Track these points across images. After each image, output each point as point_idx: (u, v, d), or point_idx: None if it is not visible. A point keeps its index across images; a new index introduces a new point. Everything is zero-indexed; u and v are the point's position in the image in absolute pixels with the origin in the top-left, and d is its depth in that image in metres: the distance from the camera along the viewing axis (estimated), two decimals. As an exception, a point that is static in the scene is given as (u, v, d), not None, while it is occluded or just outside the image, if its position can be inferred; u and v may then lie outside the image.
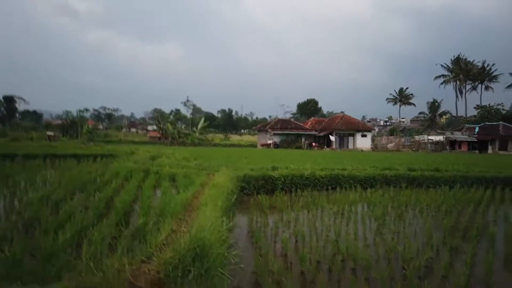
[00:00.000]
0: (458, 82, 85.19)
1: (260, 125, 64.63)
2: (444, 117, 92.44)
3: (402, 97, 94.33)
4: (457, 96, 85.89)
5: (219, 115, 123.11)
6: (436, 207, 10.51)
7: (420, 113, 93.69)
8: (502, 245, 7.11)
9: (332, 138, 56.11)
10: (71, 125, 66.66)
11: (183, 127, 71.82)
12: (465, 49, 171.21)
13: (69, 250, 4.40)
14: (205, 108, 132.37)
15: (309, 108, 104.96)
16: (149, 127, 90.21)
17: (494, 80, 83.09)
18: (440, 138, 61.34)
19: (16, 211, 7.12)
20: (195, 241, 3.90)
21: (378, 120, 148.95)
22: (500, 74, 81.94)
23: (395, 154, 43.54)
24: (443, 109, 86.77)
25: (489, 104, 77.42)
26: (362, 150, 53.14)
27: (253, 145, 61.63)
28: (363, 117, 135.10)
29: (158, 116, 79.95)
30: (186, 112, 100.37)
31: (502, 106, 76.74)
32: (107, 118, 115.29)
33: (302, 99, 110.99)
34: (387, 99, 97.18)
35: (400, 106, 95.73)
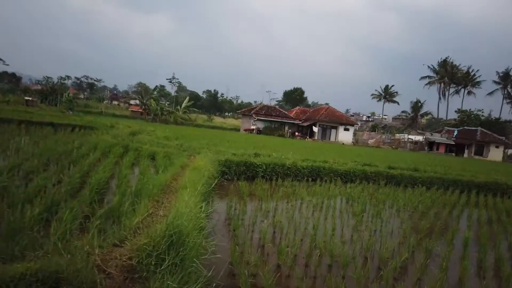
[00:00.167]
0: (442, 84, 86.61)
1: (244, 110, 64.12)
2: (425, 117, 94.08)
3: (387, 94, 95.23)
4: (440, 98, 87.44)
5: (204, 96, 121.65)
6: (413, 207, 10.62)
7: (403, 111, 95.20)
8: (475, 250, 7.22)
9: (315, 129, 56.29)
10: (51, 92, 64.31)
11: (166, 104, 70.49)
12: (453, 52, 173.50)
13: (36, 227, 4.14)
14: (191, 87, 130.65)
15: (295, 96, 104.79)
16: (132, 101, 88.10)
17: (477, 86, 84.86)
18: (419, 138, 62.45)
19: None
20: (171, 228, 3.72)
21: (361, 115, 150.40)
22: (483, 80, 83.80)
23: (375, 150, 44.11)
24: (425, 109, 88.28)
25: (470, 109, 79.16)
26: (343, 144, 53.60)
27: (236, 129, 61.21)
28: (347, 111, 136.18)
29: (142, 90, 78.27)
30: (171, 89, 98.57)
31: (482, 112, 78.63)
32: (89, 88, 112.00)
33: (289, 87, 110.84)
34: (372, 94, 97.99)
35: (384, 103, 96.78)
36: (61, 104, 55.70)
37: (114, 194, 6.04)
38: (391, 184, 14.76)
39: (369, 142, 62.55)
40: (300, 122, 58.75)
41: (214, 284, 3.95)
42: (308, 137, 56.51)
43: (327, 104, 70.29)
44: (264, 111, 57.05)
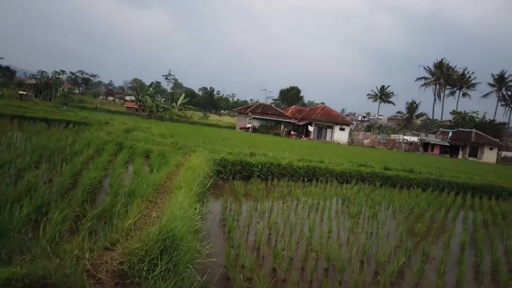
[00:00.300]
0: (438, 86, 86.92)
1: (240, 108, 63.95)
2: (420, 118, 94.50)
3: (383, 95, 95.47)
4: (435, 100, 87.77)
5: (200, 93, 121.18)
6: (409, 209, 10.57)
7: (398, 112, 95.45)
8: (471, 254, 7.18)
9: (311, 128, 56.27)
10: (45, 86, 63.68)
11: (162, 101, 70.16)
12: (448, 54, 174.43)
13: (24, 228, 4.00)
14: (187, 84, 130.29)
15: (291, 95, 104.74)
16: (127, 97, 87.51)
17: (472, 88, 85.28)
18: (414, 139, 62.67)
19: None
20: (165, 231, 3.60)
21: (357, 115, 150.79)
22: (478, 83, 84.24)
23: (370, 150, 44.18)
24: (421, 110, 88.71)
25: (465, 111, 79.60)
26: (339, 143, 53.65)
27: (232, 127, 61.03)
28: (342, 110, 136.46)
29: (137, 86, 77.71)
30: (167, 86, 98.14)
31: (477, 114, 79.09)
32: (84, 83, 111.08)
33: (284, 86, 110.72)
34: (367, 95, 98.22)
35: (379, 103, 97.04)
36: (56, 99, 55.20)
37: (107, 194, 5.90)
38: (387, 185, 14.72)
39: (364, 142, 62.66)
40: (296, 121, 58.71)
41: (208, 289, 3.84)
42: (303, 136, 56.49)
43: (323, 103, 70.33)
44: (260, 109, 56.92)
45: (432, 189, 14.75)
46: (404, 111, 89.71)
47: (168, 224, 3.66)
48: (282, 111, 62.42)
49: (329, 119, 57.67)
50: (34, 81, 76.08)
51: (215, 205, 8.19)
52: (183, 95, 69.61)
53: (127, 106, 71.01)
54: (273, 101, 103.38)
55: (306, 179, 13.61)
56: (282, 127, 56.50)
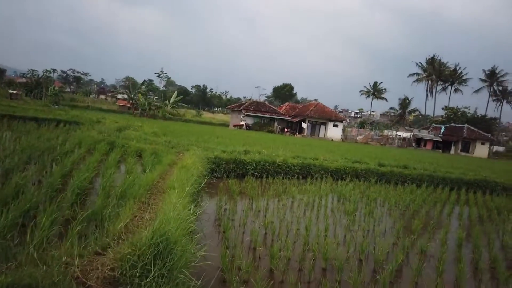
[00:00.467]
0: (430, 81, 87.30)
1: (234, 105, 63.70)
2: (412, 114, 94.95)
3: (376, 91, 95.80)
4: (427, 96, 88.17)
5: (193, 91, 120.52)
6: (405, 205, 10.52)
7: (391, 108, 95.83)
8: (469, 251, 7.13)
9: (305, 125, 56.23)
10: (36, 85, 62.82)
11: (155, 99, 69.50)
12: (441, 51, 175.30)
13: (10, 234, 3.82)
14: (179, 82, 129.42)
15: (284, 92, 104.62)
16: (119, 96, 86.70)
17: (463, 84, 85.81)
18: (407, 134, 62.95)
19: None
20: (158, 235, 3.45)
21: (350, 112, 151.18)
22: (470, 78, 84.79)
23: (364, 146, 44.28)
24: (413, 106, 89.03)
25: (457, 106, 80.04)
26: (332, 140, 53.71)
27: (225, 124, 60.78)
28: (335, 107, 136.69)
29: (130, 85, 76.97)
30: (159, 84, 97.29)
31: (468, 109, 79.59)
32: (75, 81, 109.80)
33: (277, 83, 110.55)
34: (360, 91, 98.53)
35: (372, 100, 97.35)
36: (47, 97, 54.50)
37: (98, 196, 5.72)
38: (382, 181, 14.69)
39: (357, 139, 62.81)
40: (290, 118, 58.63)
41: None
42: (297, 133, 56.46)
43: (316, 100, 70.20)
44: (253, 106, 56.74)
45: (427, 185, 14.74)
46: (396, 107, 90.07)
47: (162, 228, 3.52)
48: (275, 108, 62.31)
49: (322, 115, 57.67)
50: (24, 80, 75.05)
51: (209, 205, 8.05)
52: (176, 93, 69.14)
53: (119, 105, 70.36)
54: (266, 98, 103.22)
55: (301, 177, 13.51)
56: (275, 124, 56.40)
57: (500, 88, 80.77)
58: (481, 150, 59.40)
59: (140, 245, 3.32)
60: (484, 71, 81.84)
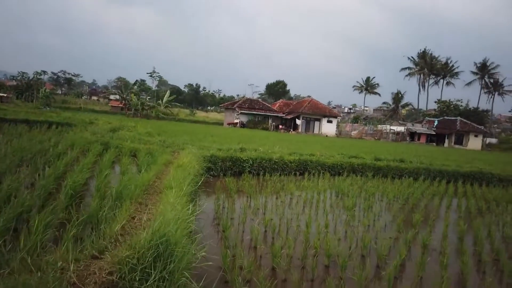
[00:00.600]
0: (422, 75, 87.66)
1: (227, 103, 63.48)
2: (405, 108, 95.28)
3: (368, 86, 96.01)
4: (420, 89, 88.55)
5: (186, 90, 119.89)
6: (403, 199, 10.45)
7: (384, 103, 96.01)
8: (471, 243, 7.08)
9: (299, 122, 56.18)
10: (26, 88, 62.02)
11: (147, 99, 68.99)
12: (433, 45, 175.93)
13: (2, 240, 3.66)
14: (172, 81, 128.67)
15: (277, 89, 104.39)
16: (112, 96, 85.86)
17: (455, 77, 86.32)
18: (401, 129, 63.18)
19: None
20: (157, 237, 3.31)
21: (343, 107, 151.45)
22: (461, 71, 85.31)
23: (359, 141, 44.35)
24: (406, 101, 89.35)
25: (449, 99, 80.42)
26: (327, 136, 53.75)
27: (219, 123, 60.56)
28: (329, 103, 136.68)
29: (122, 85, 76.42)
30: (152, 83, 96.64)
31: (461, 102, 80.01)
32: (67, 83, 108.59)
33: (270, 80, 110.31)
34: (353, 86, 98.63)
35: (365, 95, 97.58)
36: (38, 100, 53.91)
37: (93, 197, 5.56)
38: (379, 176, 14.64)
39: (352, 134, 62.95)
40: (284, 115, 58.54)
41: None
42: (292, 130, 56.40)
43: (309, 96, 70.19)
44: (247, 104, 56.55)
45: (424, 178, 14.74)
46: (389, 101, 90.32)
47: (161, 229, 3.38)
48: (269, 105, 62.15)
49: (316, 112, 57.66)
50: (14, 83, 74.04)
51: (207, 203, 7.91)
52: (169, 92, 68.84)
53: (111, 106, 69.80)
54: (259, 95, 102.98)
55: (298, 173, 13.43)
56: (270, 121, 56.28)
57: (492, 80, 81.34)
58: (474, 143, 59.80)
59: (139, 248, 3.18)
60: (475, 64, 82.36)
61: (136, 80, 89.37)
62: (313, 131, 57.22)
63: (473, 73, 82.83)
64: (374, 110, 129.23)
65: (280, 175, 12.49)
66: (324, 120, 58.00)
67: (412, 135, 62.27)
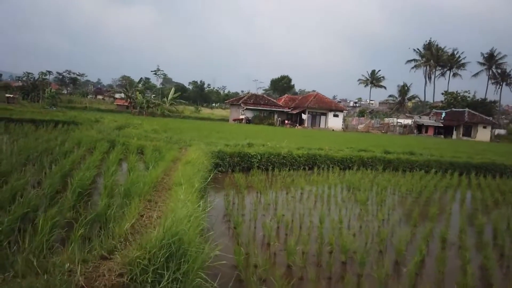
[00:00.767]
0: (428, 67, 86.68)
1: (232, 99, 63.23)
2: (412, 101, 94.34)
3: (374, 79, 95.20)
4: (426, 82, 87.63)
5: (190, 87, 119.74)
6: (417, 192, 10.20)
7: (390, 96, 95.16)
8: (491, 237, 6.83)
9: (305, 116, 55.80)
10: (32, 88, 62.27)
11: (152, 96, 68.98)
12: (438, 36, 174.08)
13: (7, 241, 3.50)
14: (176, 79, 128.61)
15: (282, 84, 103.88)
16: (117, 95, 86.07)
17: (462, 68, 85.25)
18: (408, 121, 62.56)
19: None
20: (169, 235, 3.13)
21: (348, 101, 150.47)
22: (468, 62, 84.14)
23: (366, 135, 43.95)
24: (412, 93, 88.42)
25: (456, 91, 79.44)
26: (333, 130, 53.36)
27: (225, 119, 60.37)
28: (334, 97, 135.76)
29: (127, 83, 76.51)
30: (156, 81, 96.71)
31: (468, 93, 78.99)
32: (72, 82, 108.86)
33: (275, 75, 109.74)
34: (358, 80, 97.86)
35: (371, 88, 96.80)
36: (44, 100, 54.05)
37: (101, 195, 5.40)
38: (389, 169, 14.39)
39: (358, 128, 62.47)
40: (289, 110, 58.18)
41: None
42: (297, 124, 56.07)
43: (314, 91, 69.68)
44: (252, 100, 56.28)
45: (435, 170, 14.43)
46: (395, 94, 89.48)
47: (173, 227, 3.20)
48: (274, 100, 61.82)
49: (322, 106, 57.23)
50: (20, 84, 74.33)
51: (216, 200, 7.74)
52: (173, 89, 68.65)
53: (117, 104, 69.92)
54: (264, 91, 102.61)
55: (307, 168, 13.22)
56: (275, 116, 55.98)
57: (499, 70, 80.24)
58: (483, 134, 59.05)
59: (150, 247, 3.00)
60: (482, 54, 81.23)
61: (141, 78, 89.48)
62: (319, 126, 56.84)
63: (480, 63, 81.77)
64: (379, 103, 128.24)
65: (289, 170, 12.29)
66: (330, 115, 57.56)
67: (420, 128, 61.64)
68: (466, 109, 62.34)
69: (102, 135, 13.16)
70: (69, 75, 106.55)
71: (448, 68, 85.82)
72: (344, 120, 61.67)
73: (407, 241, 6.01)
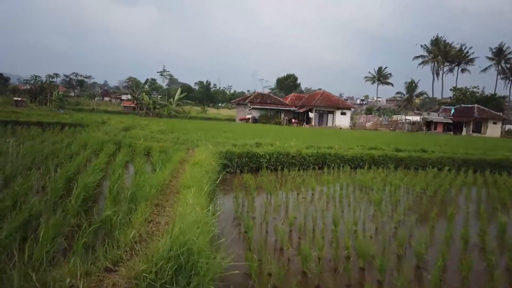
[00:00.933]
0: (436, 63, 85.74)
1: (239, 99, 62.98)
2: (420, 97, 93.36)
3: (381, 76, 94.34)
4: (434, 78, 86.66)
5: (196, 87, 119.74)
6: (432, 191, 9.86)
7: (397, 93, 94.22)
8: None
9: (312, 115, 55.37)
10: (40, 91, 62.59)
11: (159, 97, 68.98)
12: (445, 32, 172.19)
13: (6, 253, 3.30)
14: (182, 79, 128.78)
15: (288, 83, 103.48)
16: (124, 97, 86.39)
17: (470, 63, 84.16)
18: (417, 118, 61.81)
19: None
20: (177, 246, 2.90)
21: (355, 99, 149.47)
22: (477, 57, 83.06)
23: (374, 133, 43.44)
24: (420, 90, 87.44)
25: (465, 86, 78.39)
26: (341, 128, 52.90)
27: (231, 119, 60.17)
28: (340, 95, 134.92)
29: (133, 85, 76.67)
30: (162, 82, 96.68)
31: (477, 89, 77.91)
32: (79, 85, 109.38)
33: (280, 74, 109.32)
34: (365, 77, 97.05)
35: (378, 85, 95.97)
36: (51, 103, 54.25)
37: (106, 200, 5.19)
38: (401, 167, 14.05)
39: (366, 125, 61.88)
40: (296, 109, 57.80)
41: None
42: (305, 123, 55.68)
43: (320, 89, 69.19)
44: (259, 99, 55.99)
45: (449, 168, 14.05)
46: (403, 91, 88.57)
47: (181, 236, 2.96)
48: (281, 99, 61.47)
49: (329, 104, 56.75)
50: (28, 87, 74.82)
51: (226, 202, 7.50)
52: (180, 90, 68.56)
53: (124, 106, 70.05)
54: (270, 90, 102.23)
55: (317, 167, 12.94)
56: (282, 115, 55.65)
57: (508, 65, 79.03)
58: (493, 130, 58.16)
59: (156, 259, 2.77)
60: (491, 49, 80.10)
61: (147, 79, 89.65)
62: (326, 124, 56.39)
63: (489, 58, 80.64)
64: (387, 100, 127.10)
65: (298, 169, 12.03)
66: (338, 113, 57.05)
67: (428, 125, 60.85)
68: (476, 105, 61.40)
69: (109, 137, 13.01)
70: (76, 78, 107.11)
71: (456, 63, 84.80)
72: (351, 118, 61.11)
73: (427, 243, 5.72)
